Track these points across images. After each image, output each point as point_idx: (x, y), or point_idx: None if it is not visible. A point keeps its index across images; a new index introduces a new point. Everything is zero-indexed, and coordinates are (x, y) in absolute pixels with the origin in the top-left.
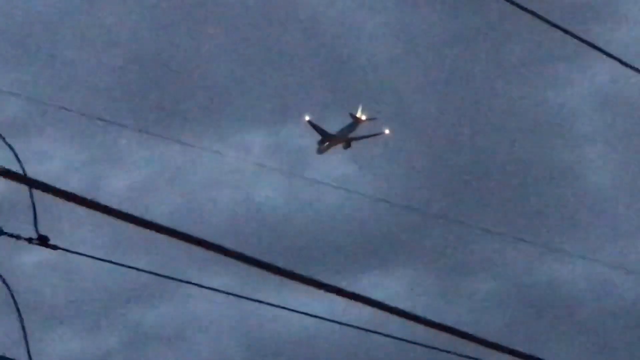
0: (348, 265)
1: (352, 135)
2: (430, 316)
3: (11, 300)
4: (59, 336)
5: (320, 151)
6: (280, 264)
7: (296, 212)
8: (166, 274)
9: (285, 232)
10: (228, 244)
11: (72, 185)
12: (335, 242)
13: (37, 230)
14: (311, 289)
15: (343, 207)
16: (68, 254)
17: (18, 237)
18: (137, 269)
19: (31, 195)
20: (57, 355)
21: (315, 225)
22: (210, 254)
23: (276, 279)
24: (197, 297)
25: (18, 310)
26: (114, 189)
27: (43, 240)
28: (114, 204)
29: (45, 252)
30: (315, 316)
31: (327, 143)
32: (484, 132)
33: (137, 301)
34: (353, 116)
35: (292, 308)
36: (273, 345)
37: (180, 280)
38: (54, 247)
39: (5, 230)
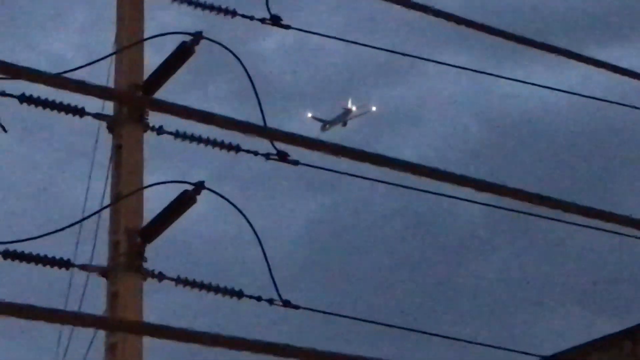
0: (586, 39)
1: (346, 119)
2: None
3: (250, 85)
4: (298, 119)
5: (323, 130)
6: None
7: None
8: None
9: (523, 3)
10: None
11: None
12: (573, 15)
13: (269, 10)
14: (550, 62)
15: None
16: (306, 37)
17: (251, 18)
18: (374, 47)
19: None
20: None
21: None
22: (449, 29)
23: (514, 53)
24: (435, 76)
25: (256, 94)
26: None
27: (275, 21)
28: None
29: (283, 36)
30: (556, 89)
31: (327, 126)
32: None
33: (375, 81)
34: (345, 108)
35: (531, 82)
36: (512, 121)
37: (418, 57)
38: (287, 27)
39: (239, 12)
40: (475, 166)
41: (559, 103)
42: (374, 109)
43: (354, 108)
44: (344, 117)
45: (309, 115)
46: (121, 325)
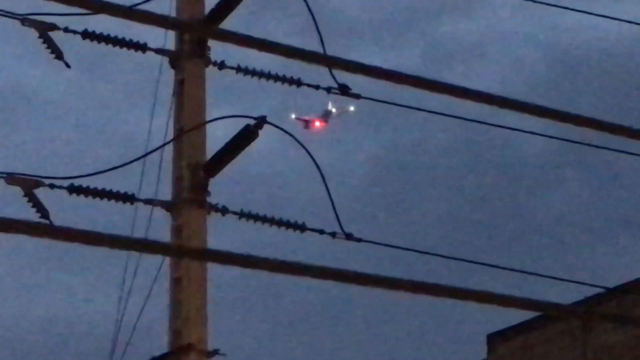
0: None
1: (327, 118)
2: None
3: (311, 20)
4: (361, 53)
5: (305, 128)
6: None
7: None
8: None
9: None
10: None
11: None
12: None
13: None
14: None
15: None
16: None
17: None
18: None
19: None
20: None
21: None
22: None
23: None
24: (499, 8)
25: (316, 26)
26: None
27: None
28: None
29: None
30: (623, 20)
31: (309, 124)
32: None
33: (438, 16)
34: (325, 109)
35: (599, 14)
36: (577, 55)
37: None
38: None
39: None
40: (539, 101)
41: (625, 35)
42: (352, 108)
43: (333, 110)
44: (324, 116)
45: (292, 116)
46: (186, 252)
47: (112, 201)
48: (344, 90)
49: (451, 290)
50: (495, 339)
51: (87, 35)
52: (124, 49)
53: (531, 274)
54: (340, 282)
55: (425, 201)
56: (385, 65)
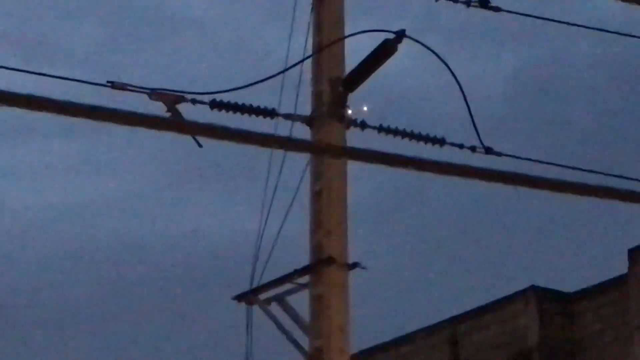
0: None
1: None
2: None
3: None
4: None
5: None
6: None
7: None
8: None
9: None
10: None
11: None
12: None
13: None
14: None
15: None
16: None
17: None
18: None
19: None
20: None
21: None
22: None
23: None
24: None
25: None
26: None
27: None
28: None
29: None
30: None
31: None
32: None
33: None
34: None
35: None
36: None
37: None
38: None
39: None
40: None
41: None
42: (365, 109)
43: (349, 112)
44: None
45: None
46: (326, 149)
47: (253, 116)
48: (483, 3)
49: (603, 190)
50: (637, 254)
51: None
52: None
53: None
54: (491, 181)
55: (566, 115)
56: None
